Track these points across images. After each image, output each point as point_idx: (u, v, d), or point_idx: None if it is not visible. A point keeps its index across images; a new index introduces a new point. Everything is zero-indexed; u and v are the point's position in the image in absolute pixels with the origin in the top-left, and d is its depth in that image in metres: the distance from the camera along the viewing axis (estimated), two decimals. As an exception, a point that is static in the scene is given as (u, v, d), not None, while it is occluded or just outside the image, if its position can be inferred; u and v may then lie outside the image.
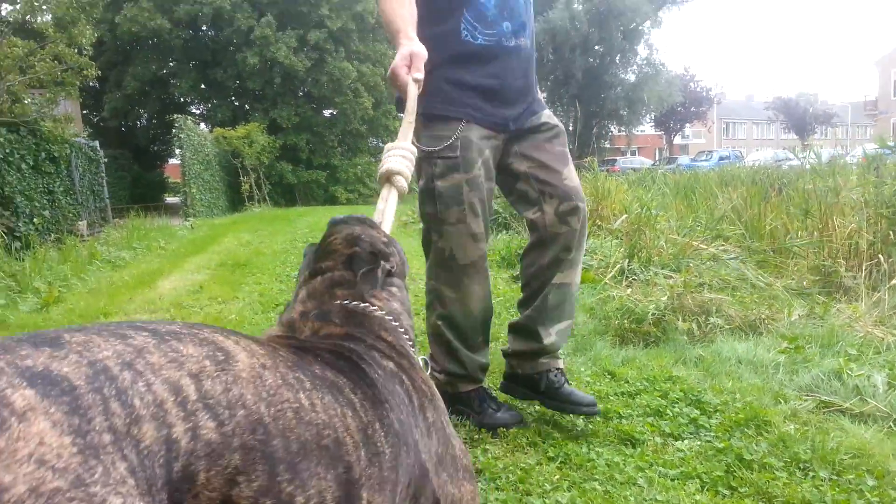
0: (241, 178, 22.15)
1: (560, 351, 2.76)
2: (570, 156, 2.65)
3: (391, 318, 1.41)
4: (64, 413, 0.66)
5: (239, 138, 21.97)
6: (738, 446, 2.44)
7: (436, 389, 1.36)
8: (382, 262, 1.48)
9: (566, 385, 2.67)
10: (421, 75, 2.09)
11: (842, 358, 3.26)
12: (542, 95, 2.81)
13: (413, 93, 2.05)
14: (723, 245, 5.61)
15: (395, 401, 1.16)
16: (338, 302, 1.38)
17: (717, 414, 2.79)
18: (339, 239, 1.59)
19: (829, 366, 3.20)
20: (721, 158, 33.82)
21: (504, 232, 8.19)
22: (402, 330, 1.42)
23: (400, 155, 1.94)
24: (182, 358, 0.83)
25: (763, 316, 4.05)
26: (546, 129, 2.61)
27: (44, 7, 12.50)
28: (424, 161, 2.44)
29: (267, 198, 22.56)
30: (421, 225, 2.65)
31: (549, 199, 2.55)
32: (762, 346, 3.64)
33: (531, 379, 2.71)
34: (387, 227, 1.81)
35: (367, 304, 1.40)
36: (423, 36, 2.21)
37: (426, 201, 2.52)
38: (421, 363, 1.47)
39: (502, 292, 5.27)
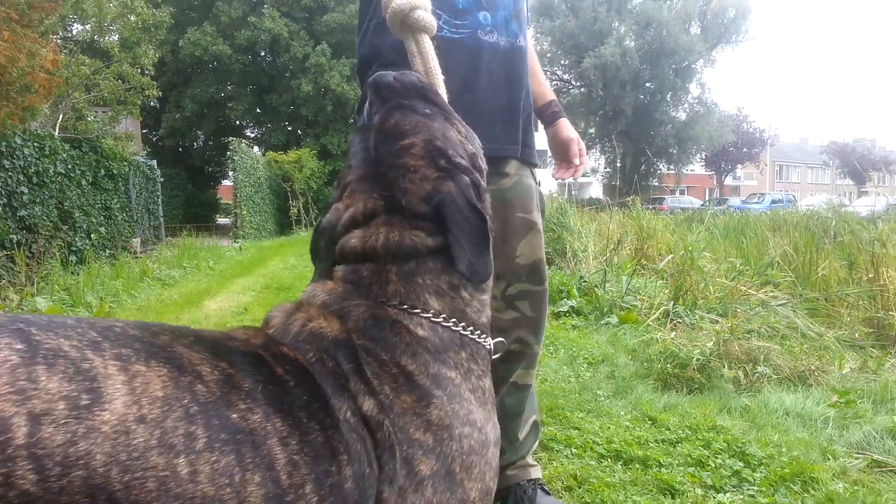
0: (290, 201, 22.56)
1: (531, 455, 2.31)
2: (534, 222, 2.12)
3: (451, 323, 1.15)
4: None
5: (290, 163, 22.42)
6: (782, 503, 2.35)
7: (454, 428, 1.06)
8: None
9: (543, 499, 2.24)
10: None
11: (896, 415, 3.14)
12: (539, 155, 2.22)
13: None
14: (772, 291, 5.47)
15: (358, 450, 0.95)
16: (367, 303, 1.12)
17: (762, 467, 2.70)
18: (419, 149, 1.22)
19: (883, 423, 3.08)
20: (774, 202, 33.15)
21: (546, 267, 8.15)
22: (467, 331, 1.17)
23: None
24: (33, 391, 0.72)
25: (813, 367, 3.93)
26: (514, 186, 2.08)
27: (112, 27, 13.10)
28: None
29: (314, 222, 22.90)
30: None
31: (495, 280, 2.12)
32: (811, 399, 3.52)
33: (498, 495, 2.15)
34: (441, 90, 1.42)
35: (413, 312, 1.12)
36: (375, 43, 1.88)
37: None
38: (491, 347, 1.24)
39: (543, 329, 5.22)
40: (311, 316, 1.09)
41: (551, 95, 2.33)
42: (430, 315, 1.13)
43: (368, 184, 1.23)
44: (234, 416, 0.86)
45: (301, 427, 0.91)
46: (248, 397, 0.89)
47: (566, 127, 2.30)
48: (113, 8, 12.41)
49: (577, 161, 2.29)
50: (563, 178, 2.34)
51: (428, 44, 1.42)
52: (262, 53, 29.12)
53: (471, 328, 1.18)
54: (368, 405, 1.00)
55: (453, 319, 1.16)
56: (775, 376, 3.86)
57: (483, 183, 1.29)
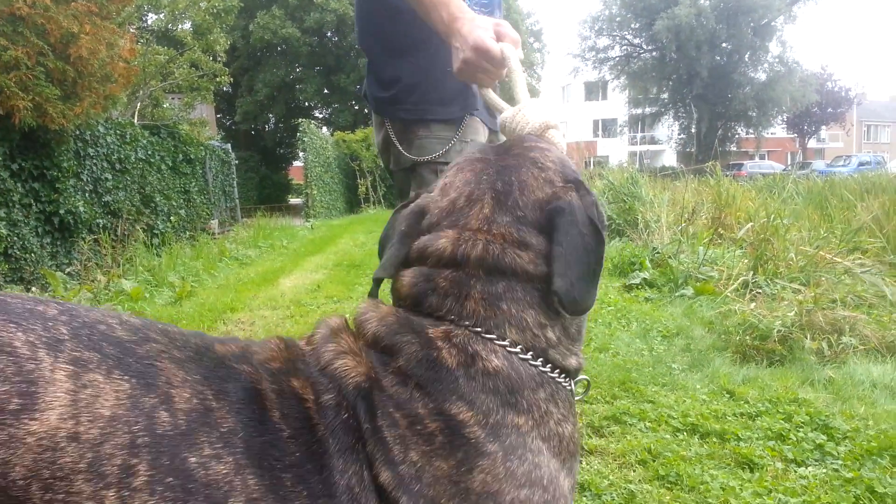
0: (359, 180, 22.87)
1: None
2: None
3: (528, 356, 0.97)
4: None
5: (358, 141, 22.68)
6: (869, 477, 2.26)
7: (503, 495, 0.87)
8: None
9: None
10: (518, 37, 1.56)
11: None
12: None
13: (516, 55, 1.52)
14: (860, 258, 5.20)
15: None
16: (422, 340, 0.94)
17: (847, 441, 2.60)
18: (553, 155, 1.12)
19: (981, 396, 2.91)
20: (861, 164, 31.33)
21: (617, 239, 8.00)
22: (546, 368, 0.99)
23: (547, 110, 1.38)
24: None
25: (903, 337, 3.73)
26: None
27: (184, 15, 13.49)
28: (423, 169, 1.96)
29: (382, 200, 23.14)
30: None
31: None
32: (901, 370, 3.35)
33: None
34: None
35: (487, 337, 0.95)
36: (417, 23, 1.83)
37: None
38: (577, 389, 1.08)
39: (614, 301, 5.15)
40: (348, 348, 0.93)
41: None
42: (506, 344, 0.96)
43: (482, 165, 1.09)
44: (193, 459, 0.72)
45: (280, 489, 0.75)
46: (221, 441, 0.75)
47: None
48: (185, -4, 12.79)
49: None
50: None
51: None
52: (329, 34, 29.44)
53: (549, 366, 0.99)
54: (385, 476, 0.82)
55: (531, 353, 0.98)
56: (862, 347, 3.68)
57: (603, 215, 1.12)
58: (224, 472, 0.73)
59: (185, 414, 0.75)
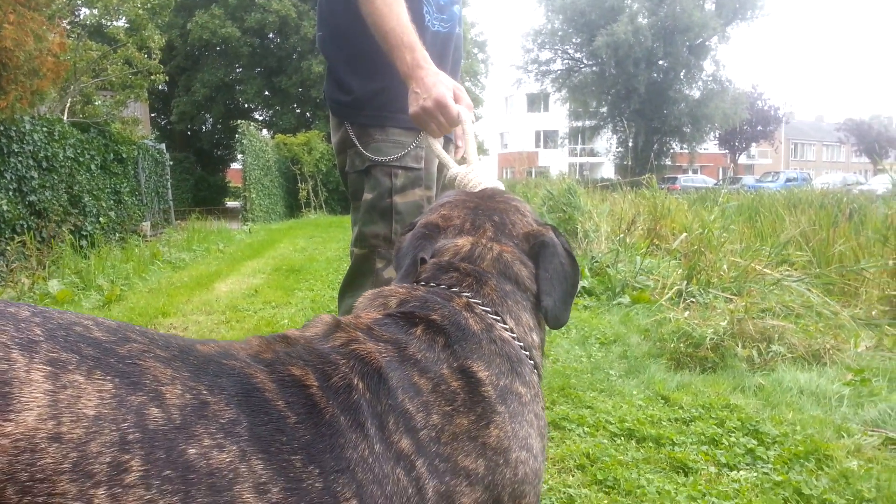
0: (300, 184, 22.56)
1: None
2: None
3: (527, 353, 1.12)
4: None
5: (299, 145, 22.37)
6: (796, 480, 2.33)
7: (511, 452, 0.97)
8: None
9: None
10: (471, 103, 1.74)
11: (913, 394, 3.09)
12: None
13: (469, 118, 1.72)
14: (788, 270, 5.41)
15: (374, 493, 0.82)
16: (451, 307, 1.06)
17: (776, 445, 2.68)
18: (527, 208, 1.34)
19: (899, 401, 3.04)
20: (788, 180, 32.78)
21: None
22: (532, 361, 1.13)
23: (493, 173, 1.55)
24: None
25: (828, 345, 3.88)
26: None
27: (118, 10, 13.04)
28: (378, 171, 1.99)
29: (323, 205, 22.90)
30: (354, 249, 2.11)
31: None
32: (826, 377, 3.49)
33: None
34: None
35: (497, 319, 1.10)
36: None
37: (376, 220, 2.00)
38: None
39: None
40: (358, 332, 0.96)
41: None
42: (509, 328, 1.11)
43: (473, 204, 1.30)
44: (192, 451, 0.71)
45: (291, 472, 0.75)
46: (222, 431, 0.74)
47: None
48: (119, -9, 12.36)
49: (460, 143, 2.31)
50: None
51: None
52: (271, 35, 28.98)
53: (533, 363, 1.13)
54: (405, 443, 0.86)
55: (523, 345, 1.12)
56: (790, 355, 3.82)
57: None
58: (228, 460, 0.72)
59: (178, 409, 0.73)
